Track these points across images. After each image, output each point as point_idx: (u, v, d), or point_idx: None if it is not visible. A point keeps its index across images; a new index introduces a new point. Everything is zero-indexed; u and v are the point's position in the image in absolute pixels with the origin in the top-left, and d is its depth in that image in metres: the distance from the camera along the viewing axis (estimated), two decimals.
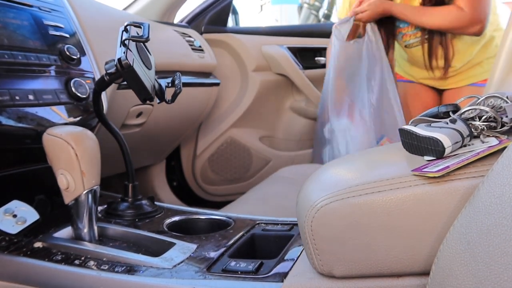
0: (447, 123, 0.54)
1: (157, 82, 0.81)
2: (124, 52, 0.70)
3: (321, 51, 1.78)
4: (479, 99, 0.57)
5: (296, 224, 0.74)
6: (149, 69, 0.79)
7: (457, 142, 0.52)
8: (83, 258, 0.67)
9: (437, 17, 1.28)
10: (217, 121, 1.70)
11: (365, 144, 1.36)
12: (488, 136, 0.54)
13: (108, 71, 0.73)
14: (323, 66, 1.81)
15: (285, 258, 0.64)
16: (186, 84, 1.32)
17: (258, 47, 1.69)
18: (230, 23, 1.81)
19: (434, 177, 0.49)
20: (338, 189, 0.53)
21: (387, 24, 1.40)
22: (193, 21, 1.64)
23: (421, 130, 0.54)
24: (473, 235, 0.41)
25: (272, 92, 1.73)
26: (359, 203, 0.51)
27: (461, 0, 1.26)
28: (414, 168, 0.51)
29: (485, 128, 0.54)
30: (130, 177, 0.86)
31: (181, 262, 0.65)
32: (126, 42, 0.72)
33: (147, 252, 0.72)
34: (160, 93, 0.80)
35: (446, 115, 0.58)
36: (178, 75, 0.84)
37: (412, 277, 0.52)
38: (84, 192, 0.72)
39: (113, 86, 0.98)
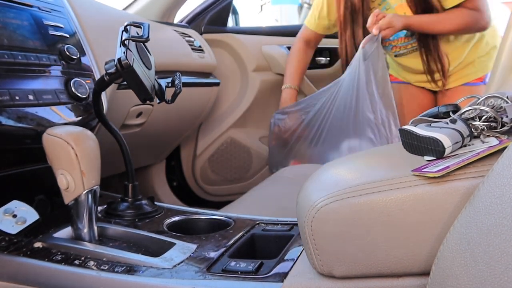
0: (447, 123, 0.54)
1: (157, 82, 0.81)
2: (124, 52, 0.70)
3: (321, 51, 1.78)
4: (479, 99, 0.57)
5: (296, 224, 0.74)
6: (149, 69, 0.79)
7: (457, 142, 0.52)
8: (83, 258, 0.67)
9: (454, 21, 1.29)
10: (217, 121, 1.70)
11: None
12: (488, 136, 0.54)
13: (108, 71, 0.73)
14: (323, 66, 1.81)
15: (285, 258, 0.64)
16: (186, 84, 1.32)
17: (258, 47, 1.69)
18: (230, 23, 1.81)
19: (434, 177, 0.49)
20: (338, 189, 0.52)
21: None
22: (193, 21, 1.64)
23: (421, 130, 0.54)
24: (473, 235, 0.41)
25: (272, 92, 1.73)
26: (359, 203, 0.51)
27: (473, 1, 1.28)
28: (414, 168, 0.51)
29: (485, 128, 0.54)
30: (130, 177, 0.86)
31: (181, 262, 0.65)
32: (126, 42, 0.72)
33: (147, 252, 0.72)
34: (160, 93, 0.80)
35: (446, 115, 0.58)
36: (178, 75, 0.84)
37: (412, 277, 0.52)
38: (84, 192, 0.72)
39: (113, 86, 0.98)
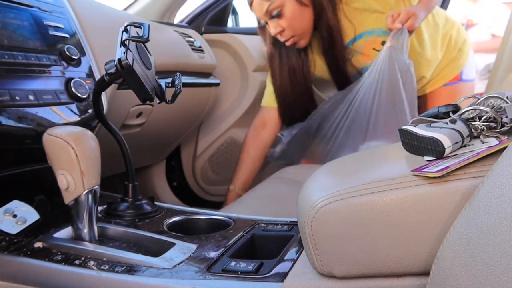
0: (447, 123, 0.54)
1: (157, 82, 0.81)
2: (124, 52, 0.70)
3: None
4: (479, 99, 0.57)
5: (296, 224, 0.74)
6: (149, 69, 0.79)
7: (457, 142, 0.52)
8: (83, 258, 0.67)
9: None
10: (217, 121, 1.70)
11: None
12: (488, 136, 0.54)
13: (108, 71, 0.73)
14: None
15: (285, 258, 0.64)
16: (186, 84, 1.32)
17: (258, 47, 1.69)
18: (230, 23, 1.81)
19: (434, 177, 0.49)
20: (338, 189, 0.53)
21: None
22: (193, 21, 1.64)
23: (421, 130, 0.54)
24: (473, 235, 0.41)
25: None
26: (359, 203, 0.51)
27: None
28: (414, 168, 0.51)
29: (485, 128, 0.54)
30: (130, 177, 0.86)
31: (181, 262, 0.65)
32: (126, 42, 0.72)
33: (147, 252, 0.72)
34: (160, 93, 0.80)
35: (446, 115, 0.58)
36: (178, 75, 0.84)
37: (412, 277, 0.52)
38: (84, 192, 0.72)
39: (113, 86, 0.98)
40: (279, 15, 1.28)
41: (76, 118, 0.83)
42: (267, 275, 0.59)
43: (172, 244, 0.71)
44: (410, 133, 0.55)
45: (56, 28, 0.88)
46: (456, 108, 0.59)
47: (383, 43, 1.31)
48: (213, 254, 0.67)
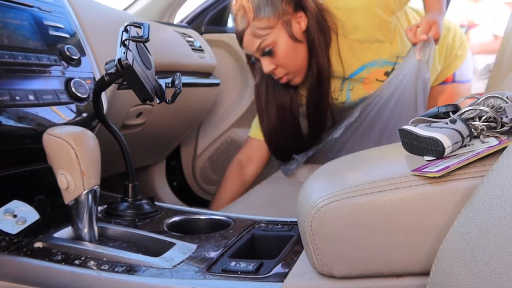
0: (447, 123, 0.54)
1: (157, 82, 0.81)
2: (124, 52, 0.70)
3: None
4: (479, 99, 0.57)
5: (296, 224, 0.74)
6: (149, 69, 0.79)
7: (457, 142, 0.52)
8: (83, 258, 0.67)
9: None
10: (217, 121, 1.70)
11: None
12: (488, 136, 0.54)
13: (108, 71, 0.73)
14: None
15: (285, 258, 0.64)
16: (186, 84, 1.32)
17: None
18: (230, 23, 1.81)
19: (434, 177, 0.49)
20: (338, 189, 0.53)
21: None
22: (193, 21, 1.64)
23: (421, 130, 0.54)
24: (473, 235, 0.41)
25: None
26: (359, 203, 0.51)
27: None
28: (414, 168, 0.51)
29: (485, 128, 0.54)
30: (130, 177, 0.86)
31: (181, 262, 0.65)
32: (126, 42, 0.72)
33: (147, 252, 0.72)
34: (160, 93, 0.80)
35: (446, 115, 0.58)
36: (178, 75, 0.84)
37: (412, 277, 0.52)
38: (84, 192, 0.72)
39: (113, 86, 0.98)
40: (271, 53, 1.20)
41: (76, 118, 0.83)
42: (267, 275, 0.59)
43: (172, 244, 0.71)
44: (410, 133, 0.55)
45: (56, 28, 0.88)
46: (456, 108, 0.59)
47: (386, 73, 1.27)
48: (213, 254, 0.67)
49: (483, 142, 0.53)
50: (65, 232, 0.76)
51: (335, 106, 1.36)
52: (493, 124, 0.54)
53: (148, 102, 0.77)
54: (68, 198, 0.72)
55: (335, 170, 0.63)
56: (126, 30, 0.74)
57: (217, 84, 1.55)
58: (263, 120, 1.37)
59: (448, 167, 0.49)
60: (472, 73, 1.55)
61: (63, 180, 0.71)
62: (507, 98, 0.54)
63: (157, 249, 0.71)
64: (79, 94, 0.83)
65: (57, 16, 0.90)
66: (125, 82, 0.73)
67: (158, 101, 0.80)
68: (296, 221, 0.60)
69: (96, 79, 0.89)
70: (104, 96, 0.90)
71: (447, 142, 0.51)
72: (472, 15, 3.22)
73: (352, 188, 0.52)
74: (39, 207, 0.77)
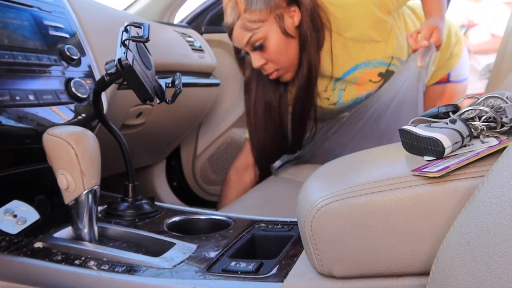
0: (447, 123, 0.54)
1: (157, 82, 0.81)
2: (124, 52, 0.70)
3: None
4: (479, 99, 0.57)
5: (296, 224, 0.74)
6: (149, 69, 0.79)
7: (457, 142, 0.52)
8: (83, 258, 0.67)
9: None
10: (217, 121, 1.70)
11: None
12: (488, 136, 0.54)
13: (108, 71, 0.73)
14: None
15: (285, 258, 0.64)
16: (186, 84, 1.32)
17: None
18: None
19: (434, 177, 0.49)
20: (338, 189, 0.53)
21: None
22: (193, 21, 1.64)
23: (421, 130, 0.54)
24: (473, 235, 0.41)
25: None
26: (359, 203, 0.51)
27: None
28: (414, 168, 0.51)
29: (485, 128, 0.54)
30: (130, 177, 0.86)
31: (181, 262, 0.65)
32: (126, 42, 0.72)
33: (147, 252, 0.72)
34: (160, 93, 0.80)
35: (446, 115, 0.58)
36: (178, 75, 0.84)
37: (412, 277, 0.52)
38: (84, 192, 0.72)
39: (113, 86, 0.98)
40: (261, 47, 1.17)
41: (76, 118, 0.83)
42: (267, 275, 0.59)
43: (172, 244, 0.71)
44: (410, 133, 0.55)
45: (56, 28, 0.88)
46: (456, 108, 0.59)
47: (380, 74, 1.25)
48: (213, 254, 0.67)
49: (483, 142, 0.53)
50: (65, 232, 0.76)
51: (325, 107, 1.34)
52: (493, 124, 0.54)
53: (148, 102, 0.77)
54: (68, 198, 0.72)
55: (335, 170, 0.63)
56: (126, 30, 0.74)
57: (217, 84, 1.55)
58: (250, 117, 1.35)
59: (448, 167, 0.49)
60: (468, 72, 1.54)
61: (63, 180, 0.71)
62: (507, 98, 0.54)
63: (157, 249, 0.71)
64: (79, 94, 0.83)
65: (57, 16, 0.90)
66: (125, 82, 0.73)
67: (158, 101, 0.80)
68: (296, 221, 0.60)
69: (96, 79, 0.89)
70: (104, 96, 0.90)
71: (447, 142, 0.51)
72: (472, 15, 3.22)
73: (352, 188, 0.52)
74: (39, 207, 0.77)
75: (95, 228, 0.74)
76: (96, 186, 0.73)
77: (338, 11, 1.21)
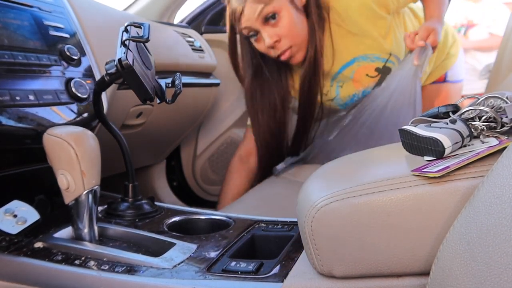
0: (447, 123, 0.54)
1: (157, 82, 0.81)
2: (124, 53, 0.70)
3: None
4: (479, 99, 0.57)
5: (296, 224, 0.74)
6: (149, 69, 0.79)
7: (457, 143, 0.52)
8: (83, 258, 0.67)
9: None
10: (217, 121, 1.70)
11: None
12: (488, 136, 0.54)
13: (108, 71, 0.73)
14: None
15: (285, 258, 0.64)
16: (186, 84, 1.32)
17: None
18: None
19: (434, 177, 0.49)
20: (338, 189, 0.53)
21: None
22: (193, 21, 1.64)
23: (421, 130, 0.54)
24: (473, 235, 0.41)
25: None
26: (359, 203, 0.51)
27: None
28: (414, 168, 0.51)
29: (485, 128, 0.54)
30: (130, 177, 0.86)
31: (181, 262, 0.65)
32: (126, 42, 0.72)
33: (147, 252, 0.72)
34: (160, 93, 0.80)
35: (446, 115, 0.58)
36: (178, 75, 0.84)
37: (412, 277, 0.52)
38: (84, 192, 0.72)
39: (113, 86, 0.98)
40: (274, 18, 1.15)
41: (76, 118, 0.83)
42: (267, 275, 0.59)
43: (172, 244, 0.71)
44: (410, 133, 0.55)
45: (56, 28, 0.88)
46: (456, 108, 0.59)
47: (377, 69, 1.26)
48: (213, 254, 0.67)
49: (483, 142, 0.53)
50: (65, 232, 0.76)
51: (323, 104, 1.35)
52: (493, 124, 0.54)
53: (148, 102, 0.77)
54: (68, 198, 0.72)
55: (335, 170, 0.63)
56: (126, 30, 0.74)
57: (217, 84, 1.55)
58: (255, 123, 1.35)
59: (448, 167, 0.49)
60: (464, 74, 1.55)
61: (63, 180, 0.71)
62: (507, 98, 0.54)
63: (157, 249, 0.71)
64: (79, 94, 0.83)
65: (57, 16, 0.90)
66: (125, 82, 0.73)
67: (158, 101, 0.80)
68: (296, 221, 0.60)
69: (96, 79, 0.89)
70: (104, 96, 0.90)
71: (447, 142, 0.51)
72: (471, 15, 3.22)
73: (352, 188, 0.52)
74: (39, 207, 0.77)
75: (95, 228, 0.74)
76: (96, 186, 0.73)
77: (337, 2, 1.22)
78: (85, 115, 0.85)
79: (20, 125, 0.74)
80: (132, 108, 1.15)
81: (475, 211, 0.42)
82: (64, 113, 0.81)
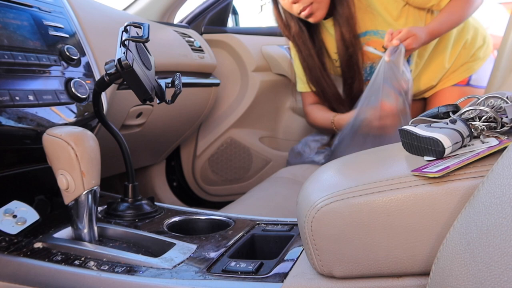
0: (447, 124, 0.54)
1: (157, 82, 0.81)
2: (124, 53, 0.70)
3: None
4: (479, 99, 0.57)
5: (296, 224, 0.74)
6: (149, 69, 0.79)
7: (457, 143, 0.52)
8: (83, 259, 0.67)
9: (462, 9, 1.27)
10: (217, 121, 1.70)
11: None
12: (488, 136, 0.54)
13: (108, 72, 0.73)
14: None
15: (285, 258, 0.64)
16: (186, 84, 1.32)
17: (258, 48, 1.69)
18: (230, 23, 1.81)
19: (434, 178, 0.49)
20: (338, 190, 0.53)
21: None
22: (193, 21, 1.64)
23: (421, 131, 0.54)
24: (473, 235, 0.41)
25: (272, 92, 1.73)
26: (359, 203, 0.51)
27: None
28: (414, 168, 0.51)
29: (485, 128, 0.54)
30: (130, 178, 0.86)
31: (181, 263, 0.65)
32: (126, 42, 0.72)
33: (147, 252, 0.72)
34: (160, 94, 0.80)
35: (446, 115, 0.58)
36: (178, 75, 0.84)
37: (412, 277, 0.52)
38: (84, 193, 0.72)
39: (113, 86, 0.98)
40: None
41: (76, 118, 0.83)
42: (267, 275, 0.59)
43: (172, 244, 0.71)
44: (410, 133, 0.55)
45: (56, 28, 0.88)
46: (456, 108, 0.59)
47: (383, 46, 1.30)
48: (213, 254, 0.67)
49: (483, 142, 0.53)
50: (65, 232, 0.76)
51: (332, 70, 1.43)
52: (493, 124, 0.54)
53: (148, 102, 0.77)
54: (68, 199, 0.72)
55: (335, 170, 0.63)
56: (126, 30, 0.74)
57: (217, 84, 1.55)
58: (308, 73, 1.42)
59: (448, 167, 0.48)
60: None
61: (63, 180, 0.71)
62: (507, 98, 0.54)
63: (157, 250, 0.71)
64: (79, 94, 0.83)
65: (57, 16, 0.90)
66: (125, 82, 0.73)
67: (158, 101, 0.80)
68: (296, 221, 0.60)
69: (96, 79, 0.89)
70: (104, 96, 0.90)
71: (447, 142, 0.51)
72: None
73: (352, 188, 0.52)
74: (39, 207, 0.77)
75: (95, 228, 0.74)
76: (96, 187, 0.73)
77: None
78: (85, 115, 0.85)
79: (20, 125, 0.74)
80: (132, 108, 1.15)
81: (475, 211, 0.42)
82: (63, 113, 0.81)
